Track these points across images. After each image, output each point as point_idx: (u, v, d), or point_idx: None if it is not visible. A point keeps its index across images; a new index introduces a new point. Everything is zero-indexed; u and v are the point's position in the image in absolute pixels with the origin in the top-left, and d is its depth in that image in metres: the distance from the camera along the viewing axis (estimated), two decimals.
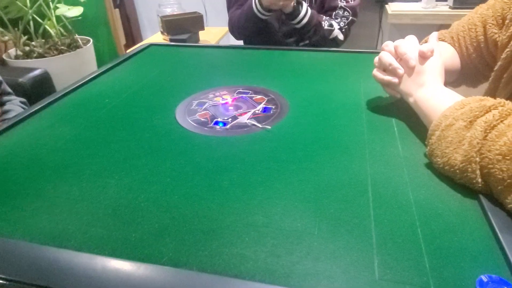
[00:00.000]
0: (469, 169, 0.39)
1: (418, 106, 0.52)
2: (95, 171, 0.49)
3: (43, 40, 1.41)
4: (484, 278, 0.32)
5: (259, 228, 0.38)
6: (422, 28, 1.81)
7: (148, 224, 0.40)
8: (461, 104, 0.42)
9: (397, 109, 0.62)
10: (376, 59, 0.60)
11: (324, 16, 1.12)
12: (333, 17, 1.11)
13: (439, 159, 0.43)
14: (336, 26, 1.09)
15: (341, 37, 1.11)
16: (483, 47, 0.61)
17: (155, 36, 1.80)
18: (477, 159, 0.38)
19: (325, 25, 1.09)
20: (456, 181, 0.42)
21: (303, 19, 1.06)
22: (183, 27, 1.52)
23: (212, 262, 0.34)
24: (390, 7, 1.65)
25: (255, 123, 0.60)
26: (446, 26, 1.71)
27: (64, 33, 1.47)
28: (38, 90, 1.26)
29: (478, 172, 0.39)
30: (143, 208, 0.42)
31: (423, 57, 0.52)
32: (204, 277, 0.33)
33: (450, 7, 1.55)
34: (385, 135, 0.55)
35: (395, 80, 0.54)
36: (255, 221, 0.39)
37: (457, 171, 0.40)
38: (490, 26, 0.59)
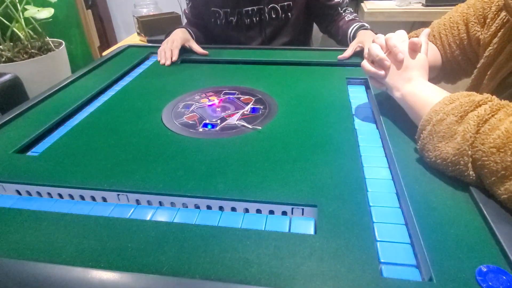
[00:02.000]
0: (461, 162, 0.40)
1: (405, 100, 0.52)
2: (81, 180, 0.47)
3: (11, 44, 1.34)
4: (483, 268, 0.32)
5: (260, 231, 0.38)
6: (397, 26, 1.85)
7: (144, 233, 0.38)
8: (450, 99, 0.43)
9: (385, 105, 0.63)
10: (366, 50, 0.61)
11: (342, 23, 1.03)
12: (343, 11, 1.06)
13: (431, 153, 0.44)
14: (351, 16, 1.04)
15: None
16: (466, 44, 0.63)
17: (131, 38, 1.75)
18: (469, 152, 0.39)
19: (349, 20, 1.02)
20: (447, 174, 0.43)
21: None
22: (161, 27, 1.49)
23: (215, 268, 0.34)
24: (366, 6, 1.68)
25: (245, 124, 0.59)
26: (420, 23, 1.76)
27: (34, 36, 1.40)
28: (8, 97, 1.19)
29: (470, 165, 0.40)
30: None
31: (413, 50, 0.53)
32: (208, 284, 0.32)
33: (423, 5, 1.60)
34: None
35: (381, 72, 0.55)
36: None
37: (449, 164, 0.41)
38: (472, 24, 0.61)
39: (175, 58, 0.90)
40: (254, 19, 1.05)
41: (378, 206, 0.41)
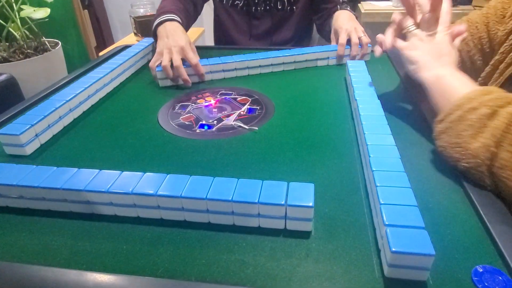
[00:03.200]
0: (482, 156, 0.40)
1: (437, 82, 0.49)
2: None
3: (7, 44, 1.33)
4: (479, 268, 0.32)
5: (255, 232, 0.38)
6: None
7: (139, 235, 0.38)
8: (486, 91, 0.43)
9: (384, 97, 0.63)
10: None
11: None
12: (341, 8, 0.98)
13: (452, 138, 0.43)
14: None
15: None
16: (484, 43, 0.63)
17: (128, 38, 1.74)
18: (494, 149, 0.39)
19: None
20: (459, 164, 0.43)
21: None
22: None
23: (210, 270, 0.33)
24: (363, 6, 1.69)
25: (242, 125, 0.59)
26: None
27: (30, 36, 1.39)
28: (4, 97, 1.19)
29: (488, 162, 0.39)
30: (132, 218, 0.40)
31: (455, 37, 0.54)
32: (204, 286, 0.32)
33: None
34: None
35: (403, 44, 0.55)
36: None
37: (469, 154, 0.41)
38: (493, 23, 0.61)
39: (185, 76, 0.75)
40: (260, 8, 1.04)
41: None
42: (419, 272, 0.31)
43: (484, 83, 0.62)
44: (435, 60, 0.51)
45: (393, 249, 0.30)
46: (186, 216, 0.39)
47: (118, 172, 0.41)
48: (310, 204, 0.36)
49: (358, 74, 0.67)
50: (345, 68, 0.74)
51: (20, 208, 0.42)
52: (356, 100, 0.57)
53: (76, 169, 0.43)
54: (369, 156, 0.43)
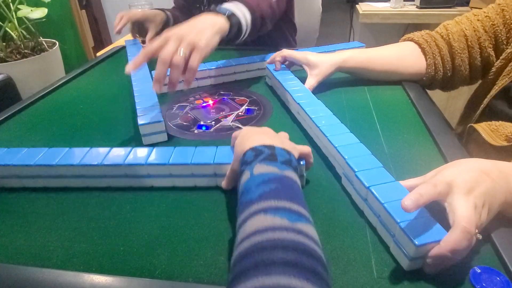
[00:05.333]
0: None
1: None
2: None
3: (4, 44, 1.32)
4: (477, 269, 0.32)
5: None
6: (391, 27, 1.87)
7: (136, 236, 0.38)
8: None
9: (379, 106, 0.63)
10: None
11: None
12: None
13: None
14: None
15: None
16: (499, 31, 0.61)
17: (125, 38, 1.74)
18: None
19: None
20: None
21: (246, 30, 0.70)
22: None
23: (208, 271, 0.33)
24: (361, 7, 1.69)
25: (240, 126, 0.59)
26: (414, 25, 1.76)
27: (27, 36, 1.39)
28: (1, 97, 1.18)
29: None
30: (129, 219, 0.40)
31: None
32: None
33: (417, 7, 1.61)
34: (368, 132, 0.55)
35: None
36: None
37: None
38: (511, 15, 0.60)
39: (119, 27, 0.88)
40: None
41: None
42: None
43: (495, 77, 0.61)
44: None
45: (417, 243, 0.31)
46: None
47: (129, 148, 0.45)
48: None
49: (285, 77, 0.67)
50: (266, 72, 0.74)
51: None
52: (299, 103, 0.57)
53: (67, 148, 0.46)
54: (344, 158, 0.42)
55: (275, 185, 0.31)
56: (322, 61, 0.66)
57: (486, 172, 0.35)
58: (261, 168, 0.33)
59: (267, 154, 0.35)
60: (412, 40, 0.69)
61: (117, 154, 0.45)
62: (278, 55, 0.70)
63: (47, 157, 0.45)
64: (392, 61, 0.68)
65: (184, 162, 0.43)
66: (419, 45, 0.67)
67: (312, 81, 0.65)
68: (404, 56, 0.68)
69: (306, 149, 0.43)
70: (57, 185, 0.45)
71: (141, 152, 0.45)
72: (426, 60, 0.66)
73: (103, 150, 0.46)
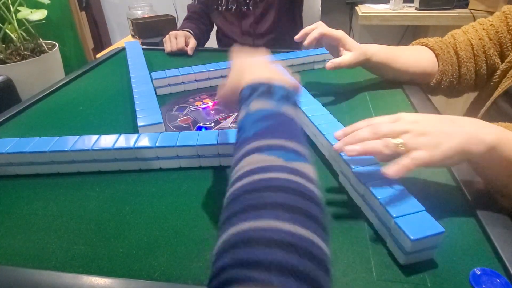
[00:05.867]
0: None
1: (503, 146, 0.36)
2: (73, 183, 0.46)
3: (3, 45, 1.32)
4: (477, 271, 0.32)
5: None
6: (391, 29, 1.87)
7: (135, 238, 0.37)
8: None
9: (379, 109, 0.63)
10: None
11: None
12: None
13: None
14: None
15: None
16: (503, 37, 0.62)
17: (125, 40, 1.74)
18: None
19: None
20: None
21: None
22: (155, 30, 1.48)
23: (207, 273, 0.33)
24: (360, 9, 1.69)
25: None
26: (414, 27, 1.76)
27: (27, 38, 1.39)
28: (0, 99, 1.18)
29: None
30: (128, 221, 0.40)
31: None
32: None
33: (416, 9, 1.61)
34: None
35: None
36: None
37: None
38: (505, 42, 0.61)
39: (180, 45, 0.97)
40: (249, 5, 1.06)
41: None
42: (429, 252, 0.33)
43: (498, 81, 0.62)
44: (452, 127, 0.37)
45: (412, 238, 0.31)
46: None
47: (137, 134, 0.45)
48: None
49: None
50: None
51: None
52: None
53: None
54: (341, 155, 0.42)
55: (271, 122, 0.29)
56: (358, 47, 0.65)
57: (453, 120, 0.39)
58: (257, 104, 0.32)
59: (264, 89, 0.33)
60: (426, 45, 0.70)
61: (126, 139, 0.49)
62: (316, 31, 0.64)
63: (51, 147, 0.47)
64: (410, 62, 0.69)
65: (190, 144, 0.46)
66: (434, 50, 0.68)
67: (350, 56, 0.62)
68: (421, 59, 0.69)
69: (294, 82, 0.38)
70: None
71: (149, 137, 0.49)
72: (438, 66, 0.67)
73: (110, 137, 0.50)
